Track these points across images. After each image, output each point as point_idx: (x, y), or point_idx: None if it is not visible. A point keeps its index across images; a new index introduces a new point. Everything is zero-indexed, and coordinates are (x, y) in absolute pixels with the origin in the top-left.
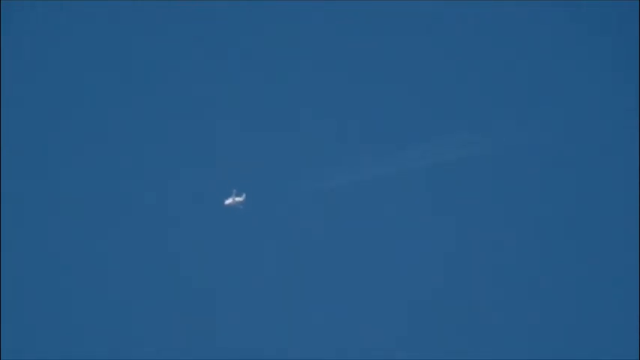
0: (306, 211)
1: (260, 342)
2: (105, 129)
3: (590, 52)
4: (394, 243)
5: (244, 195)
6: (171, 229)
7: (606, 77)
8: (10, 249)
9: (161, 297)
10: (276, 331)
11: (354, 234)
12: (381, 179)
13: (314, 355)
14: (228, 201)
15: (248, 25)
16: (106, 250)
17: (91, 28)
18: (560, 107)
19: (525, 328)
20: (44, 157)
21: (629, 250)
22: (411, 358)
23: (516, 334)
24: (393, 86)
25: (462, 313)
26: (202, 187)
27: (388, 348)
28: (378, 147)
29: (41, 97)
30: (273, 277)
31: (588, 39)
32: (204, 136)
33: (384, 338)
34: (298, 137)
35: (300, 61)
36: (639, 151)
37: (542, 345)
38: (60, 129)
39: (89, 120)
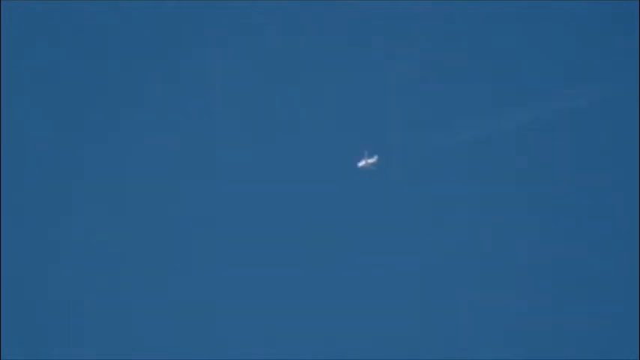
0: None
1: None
2: (119, 127)
3: (589, 51)
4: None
5: (376, 157)
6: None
7: (606, 77)
8: (10, 249)
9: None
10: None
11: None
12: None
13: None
14: (361, 163)
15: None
16: (123, 247)
17: (91, 28)
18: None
19: (525, 328)
20: (44, 157)
21: (629, 250)
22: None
23: (516, 333)
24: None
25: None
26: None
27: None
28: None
29: (41, 98)
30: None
31: (588, 38)
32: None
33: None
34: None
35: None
36: (639, 151)
37: (541, 345)
38: (61, 129)
39: (91, 120)
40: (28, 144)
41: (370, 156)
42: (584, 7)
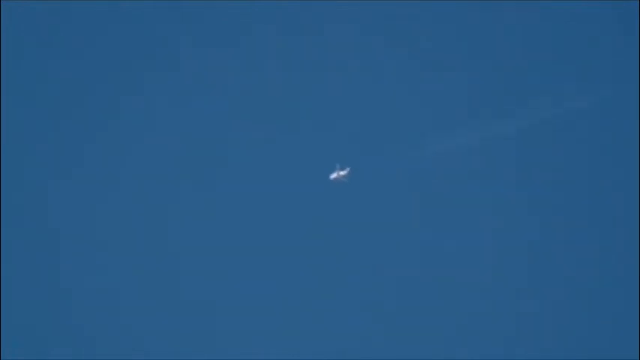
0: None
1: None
2: (117, 129)
3: (589, 52)
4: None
5: (348, 169)
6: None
7: (606, 77)
8: (10, 249)
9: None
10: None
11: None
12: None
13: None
14: (333, 175)
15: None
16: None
17: (91, 28)
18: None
19: (525, 328)
20: (45, 157)
21: (629, 249)
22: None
23: (516, 334)
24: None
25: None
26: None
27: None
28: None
29: (42, 98)
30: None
31: (588, 39)
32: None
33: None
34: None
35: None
36: (639, 151)
37: (541, 345)
38: (61, 130)
39: (92, 120)
40: (29, 144)
41: (342, 168)
42: (584, 7)
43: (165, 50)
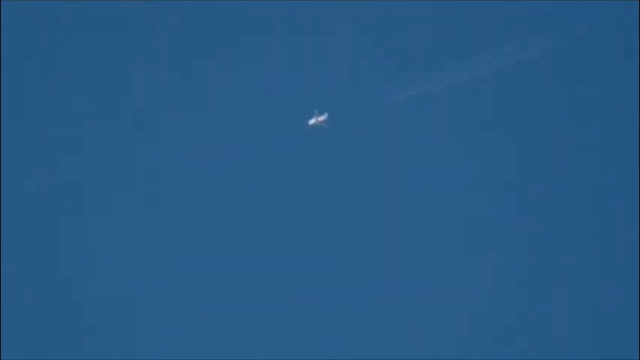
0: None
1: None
2: (113, 127)
3: (589, 51)
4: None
5: (326, 114)
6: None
7: (606, 77)
8: (10, 249)
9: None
10: None
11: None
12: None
13: None
14: (312, 121)
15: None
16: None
17: (91, 28)
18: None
19: (524, 327)
20: (44, 158)
21: (629, 246)
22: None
23: (515, 333)
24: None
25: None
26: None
27: None
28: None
29: (41, 99)
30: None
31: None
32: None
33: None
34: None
35: None
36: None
37: (541, 345)
38: (61, 131)
39: (92, 122)
40: (29, 147)
41: (320, 114)
42: (584, 7)
43: (166, 50)
